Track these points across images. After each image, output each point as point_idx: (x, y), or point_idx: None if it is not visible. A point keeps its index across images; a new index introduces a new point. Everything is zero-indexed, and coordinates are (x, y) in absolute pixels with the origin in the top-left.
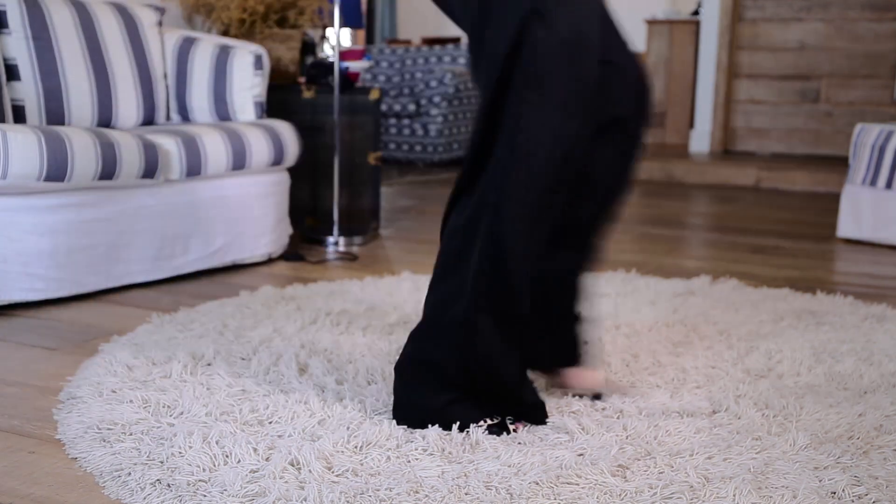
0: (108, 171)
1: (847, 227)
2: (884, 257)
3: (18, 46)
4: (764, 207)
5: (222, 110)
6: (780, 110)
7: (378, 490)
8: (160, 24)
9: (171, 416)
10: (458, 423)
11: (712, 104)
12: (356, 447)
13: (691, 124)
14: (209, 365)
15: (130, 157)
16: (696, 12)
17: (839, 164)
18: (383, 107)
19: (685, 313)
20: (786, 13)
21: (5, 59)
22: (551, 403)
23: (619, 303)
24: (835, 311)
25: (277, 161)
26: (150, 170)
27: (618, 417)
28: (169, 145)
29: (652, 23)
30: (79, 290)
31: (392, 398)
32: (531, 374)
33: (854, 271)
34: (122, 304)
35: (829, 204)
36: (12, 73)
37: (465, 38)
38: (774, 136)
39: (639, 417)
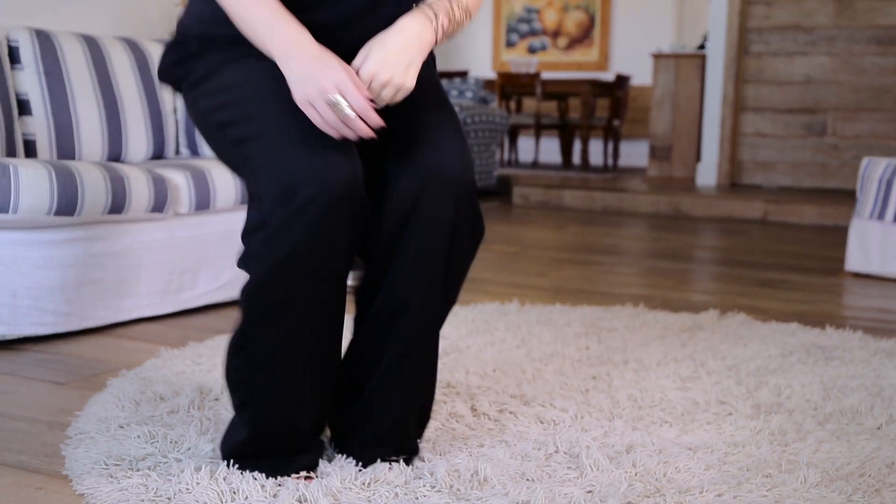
0: (117, 205)
1: (855, 260)
2: (893, 291)
3: (31, 81)
4: (771, 241)
5: None
6: (787, 143)
7: None
8: None
9: (178, 451)
10: None
11: (719, 137)
12: (364, 483)
13: (698, 157)
14: (216, 400)
15: (140, 191)
16: (701, 46)
17: (847, 197)
18: None
19: (693, 348)
20: (791, 47)
21: (17, 94)
22: (564, 437)
23: (626, 337)
24: (844, 346)
25: None
26: (159, 204)
27: (627, 453)
28: (178, 179)
29: (658, 57)
30: (87, 325)
31: None
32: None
33: (863, 305)
34: (131, 339)
35: (837, 237)
36: (24, 107)
37: (472, 71)
38: (781, 170)
39: (648, 453)
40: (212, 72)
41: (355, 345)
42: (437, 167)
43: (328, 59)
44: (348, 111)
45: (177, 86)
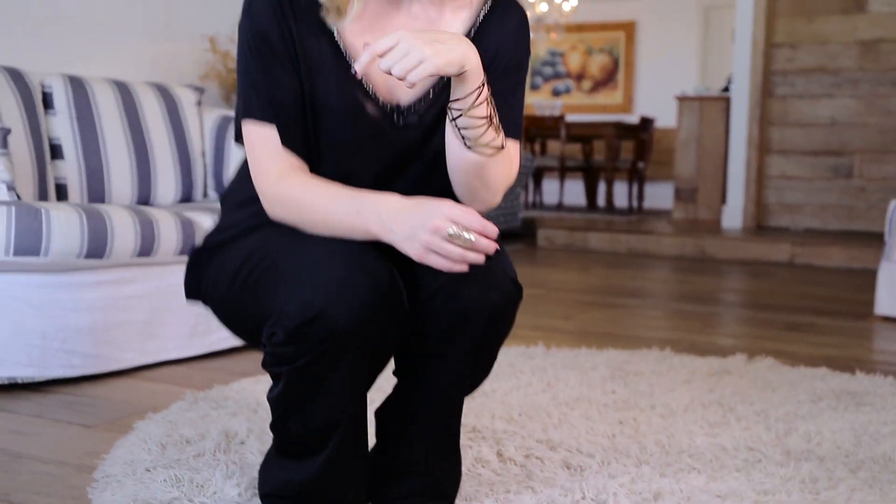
0: (146, 248)
1: (885, 304)
2: None
3: (63, 126)
4: (799, 283)
5: None
6: (813, 185)
7: None
8: (199, 103)
9: (204, 495)
10: None
11: (744, 179)
12: None
13: (723, 199)
14: (242, 443)
15: (168, 234)
16: (726, 89)
17: (875, 239)
18: None
19: (721, 393)
20: (816, 90)
21: (50, 139)
22: (591, 483)
23: (653, 382)
24: (875, 392)
25: None
26: (187, 247)
27: (655, 500)
28: (206, 222)
29: (682, 99)
30: (115, 367)
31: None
32: None
33: (893, 350)
34: (157, 381)
35: (866, 280)
36: (56, 152)
37: None
38: (808, 212)
39: (677, 500)
40: (225, 246)
41: (392, 399)
42: (474, 299)
43: (423, 201)
44: (470, 236)
45: (199, 295)
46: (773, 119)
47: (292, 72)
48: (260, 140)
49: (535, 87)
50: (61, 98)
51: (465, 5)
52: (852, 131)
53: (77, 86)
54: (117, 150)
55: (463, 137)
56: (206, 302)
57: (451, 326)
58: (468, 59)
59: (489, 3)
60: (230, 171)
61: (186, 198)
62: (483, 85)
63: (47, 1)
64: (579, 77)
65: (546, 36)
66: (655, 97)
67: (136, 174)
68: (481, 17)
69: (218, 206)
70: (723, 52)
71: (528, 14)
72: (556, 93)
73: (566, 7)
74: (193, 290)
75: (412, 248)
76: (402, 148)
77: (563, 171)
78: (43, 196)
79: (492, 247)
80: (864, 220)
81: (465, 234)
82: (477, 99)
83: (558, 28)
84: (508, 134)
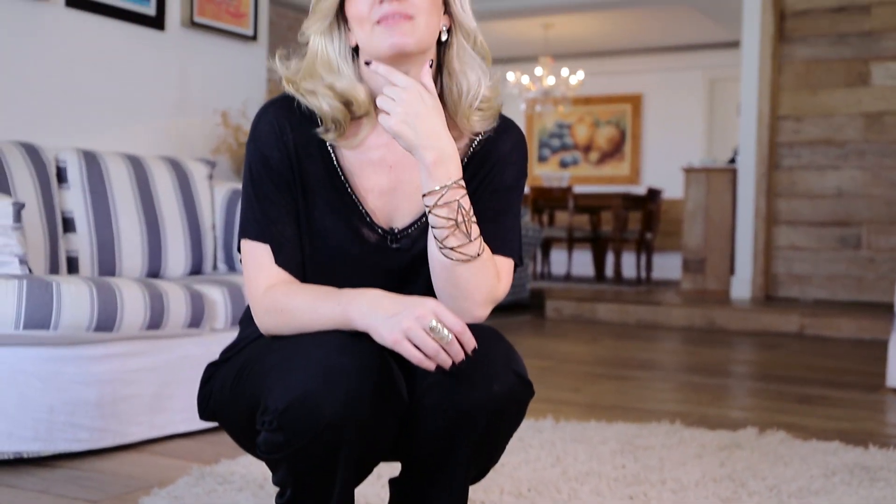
0: (155, 321)
1: None
2: None
3: (76, 200)
4: (809, 355)
5: None
6: (821, 256)
7: None
8: (211, 176)
9: None
10: None
11: (752, 250)
12: None
13: (732, 270)
14: None
15: (178, 307)
16: (732, 160)
17: (884, 310)
18: None
19: (732, 467)
20: (822, 161)
21: (63, 212)
22: None
23: (663, 456)
24: (889, 467)
25: None
26: (196, 319)
27: None
28: (215, 295)
29: (689, 171)
30: (121, 441)
31: None
32: None
33: None
34: (164, 455)
35: (877, 351)
36: (69, 225)
37: None
38: (816, 283)
39: None
40: (231, 359)
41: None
42: (475, 402)
43: (412, 297)
44: (447, 334)
45: (209, 410)
46: (779, 190)
47: (289, 195)
48: (253, 258)
49: (542, 159)
50: (75, 172)
51: (462, 139)
52: (859, 202)
53: (91, 160)
54: (129, 223)
55: (435, 237)
56: (215, 416)
57: (449, 424)
58: (429, 151)
59: (489, 129)
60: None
61: (196, 270)
62: (448, 188)
63: (64, 77)
64: (587, 149)
65: (554, 108)
66: (662, 168)
67: (146, 246)
68: (477, 142)
69: (228, 278)
70: (728, 123)
71: (536, 87)
72: (563, 164)
73: (573, 80)
74: (204, 406)
75: (389, 332)
76: (396, 269)
77: (572, 242)
78: (54, 269)
79: (460, 354)
80: (874, 291)
81: (445, 332)
82: (440, 199)
83: (566, 101)
84: (498, 251)
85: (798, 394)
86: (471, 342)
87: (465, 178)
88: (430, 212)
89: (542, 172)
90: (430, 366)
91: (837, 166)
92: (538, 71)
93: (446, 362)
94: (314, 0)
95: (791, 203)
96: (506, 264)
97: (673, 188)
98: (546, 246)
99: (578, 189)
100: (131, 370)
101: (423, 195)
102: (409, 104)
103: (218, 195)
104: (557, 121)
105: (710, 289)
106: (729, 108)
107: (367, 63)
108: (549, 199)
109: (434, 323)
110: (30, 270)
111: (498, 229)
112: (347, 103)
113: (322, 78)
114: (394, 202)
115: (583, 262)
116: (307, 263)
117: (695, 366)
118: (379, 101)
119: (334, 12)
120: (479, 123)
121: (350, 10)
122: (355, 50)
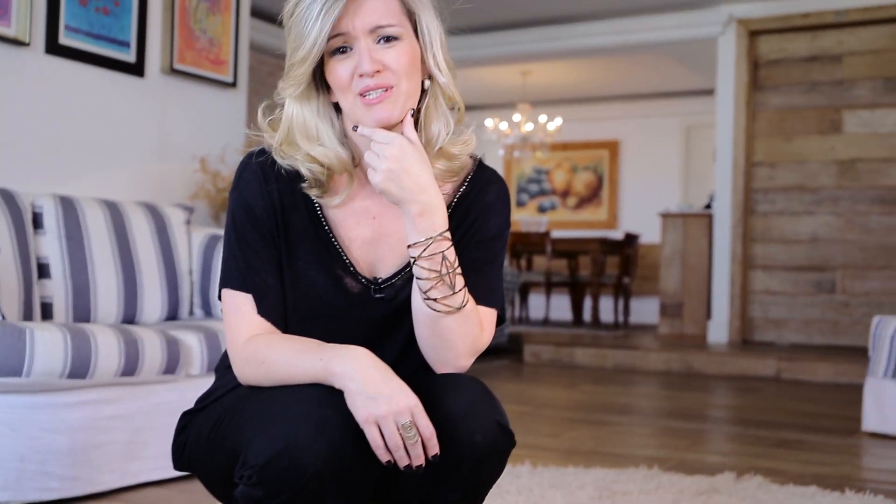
0: (130, 367)
1: (872, 420)
2: None
3: (51, 246)
4: (786, 399)
5: None
6: (797, 301)
7: None
8: (188, 222)
9: None
10: None
11: (729, 295)
12: None
13: (708, 314)
14: None
15: (153, 353)
16: (708, 206)
17: (860, 354)
18: None
19: None
20: (796, 207)
21: (38, 258)
22: None
23: (641, 501)
24: None
25: None
26: (171, 366)
27: None
28: (191, 340)
29: (666, 216)
30: (93, 489)
31: None
32: None
33: (882, 468)
34: None
35: (852, 395)
36: (44, 271)
37: None
38: (793, 327)
39: None
40: (207, 407)
41: None
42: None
43: (397, 381)
44: (415, 435)
45: (183, 459)
46: (755, 235)
47: (272, 244)
48: (234, 307)
49: (521, 204)
50: (51, 218)
51: (446, 190)
52: (833, 247)
53: (67, 205)
54: (105, 269)
55: (419, 288)
56: (190, 467)
57: (432, 474)
58: (414, 204)
59: (469, 179)
60: (216, 288)
61: (172, 315)
62: (433, 240)
63: (43, 123)
64: (564, 194)
65: (532, 154)
66: (639, 214)
67: (122, 292)
68: (460, 193)
69: (204, 324)
70: (704, 169)
71: (514, 133)
72: (541, 209)
73: (551, 126)
74: (178, 456)
75: (363, 408)
76: (380, 319)
77: (549, 287)
78: (28, 315)
79: (420, 459)
80: (849, 335)
81: (413, 433)
82: (425, 251)
83: (543, 146)
84: (482, 301)
85: (775, 438)
86: (434, 448)
87: (450, 227)
88: (414, 263)
89: (521, 217)
90: (386, 457)
91: (812, 212)
92: (516, 117)
93: (402, 461)
94: (287, 64)
95: (766, 248)
96: (489, 315)
97: (650, 233)
98: (524, 290)
99: (556, 234)
100: (105, 417)
101: (409, 246)
102: (394, 160)
103: (195, 240)
104: (535, 166)
105: (687, 333)
106: (705, 154)
107: (354, 128)
108: (528, 244)
109: (408, 422)
110: (3, 317)
111: (481, 279)
112: (329, 166)
113: (299, 147)
114: (377, 252)
115: (561, 306)
116: (289, 313)
117: (672, 410)
118: (366, 158)
119: (308, 79)
120: (440, 174)
121: (329, 77)
122: (336, 105)
